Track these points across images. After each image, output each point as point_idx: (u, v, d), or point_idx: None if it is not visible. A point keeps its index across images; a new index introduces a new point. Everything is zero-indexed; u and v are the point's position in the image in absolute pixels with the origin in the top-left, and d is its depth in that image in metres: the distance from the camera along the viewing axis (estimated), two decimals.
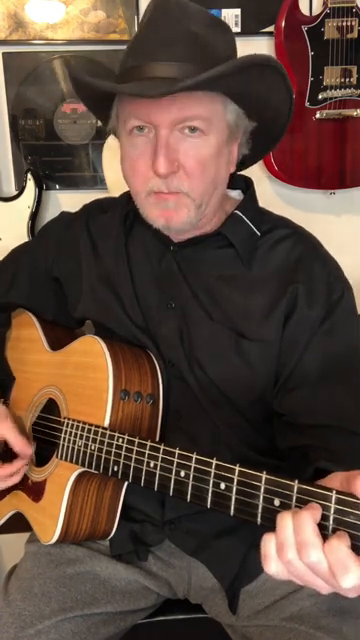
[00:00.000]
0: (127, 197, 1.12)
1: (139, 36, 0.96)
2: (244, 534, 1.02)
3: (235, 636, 1.04)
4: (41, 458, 1.12)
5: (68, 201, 1.89)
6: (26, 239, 1.76)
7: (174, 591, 1.12)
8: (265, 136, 1.04)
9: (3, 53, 1.77)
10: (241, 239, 1.04)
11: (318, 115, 1.73)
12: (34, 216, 1.79)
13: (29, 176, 1.78)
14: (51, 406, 1.13)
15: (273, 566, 0.64)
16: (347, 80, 1.71)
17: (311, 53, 1.70)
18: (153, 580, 1.09)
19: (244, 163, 1.10)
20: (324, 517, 0.62)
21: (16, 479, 1.11)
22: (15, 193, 1.81)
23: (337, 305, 1.00)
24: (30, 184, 1.78)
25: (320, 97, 1.72)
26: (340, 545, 0.60)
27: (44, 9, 1.73)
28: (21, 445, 1.09)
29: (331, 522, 0.61)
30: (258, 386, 1.02)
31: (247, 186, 1.12)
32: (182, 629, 1.14)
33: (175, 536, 1.06)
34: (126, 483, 1.04)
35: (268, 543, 0.64)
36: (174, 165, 0.93)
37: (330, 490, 0.62)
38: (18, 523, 1.14)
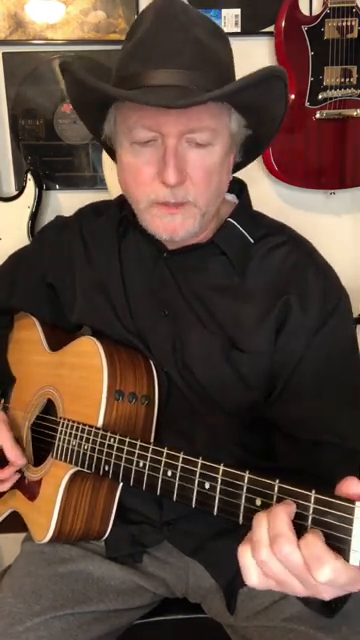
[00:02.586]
0: (122, 201, 1.11)
1: (141, 41, 0.91)
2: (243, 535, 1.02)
3: (235, 636, 1.04)
4: (39, 458, 1.12)
5: (68, 201, 1.88)
6: (26, 239, 1.77)
7: (171, 590, 1.12)
8: (254, 143, 1.03)
9: (3, 53, 1.76)
10: (235, 249, 1.03)
11: (318, 115, 1.72)
12: (34, 216, 1.79)
13: (29, 176, 1.78)
14: (50, 406, 1.14)
15: (254, 575, 0.64)
16: (347, 80, 1.70)
17: (311, 53, 1.69)
18: (149, 580, 1.09)
19: (238, 166, 1.09)
20: (303, 517, 0.62)
21: (6, 486, 1.12)
22: (15, 193, 1.81)
23: (332, 315, 0.99)
24: (30, 184, 1.78)
25: (320, 97, 1.71)
26: (315, 539, 0.60)
27: (44, 9, 1.72)
28: (14, 455, 1.10)
29: (309, 522, 0.61)
30: (250, 396, 1.01)
31: (240, 190, 1.11)
32: (182, 629, 1.13)
33: (173, 537, 1.07)
34: (121, 484, 1.04)
35: (244, 553, 0.64)
36: (183, 175, 0.91)
37: (310, 490, 0.62)
38: (18, 523, 1.14)
